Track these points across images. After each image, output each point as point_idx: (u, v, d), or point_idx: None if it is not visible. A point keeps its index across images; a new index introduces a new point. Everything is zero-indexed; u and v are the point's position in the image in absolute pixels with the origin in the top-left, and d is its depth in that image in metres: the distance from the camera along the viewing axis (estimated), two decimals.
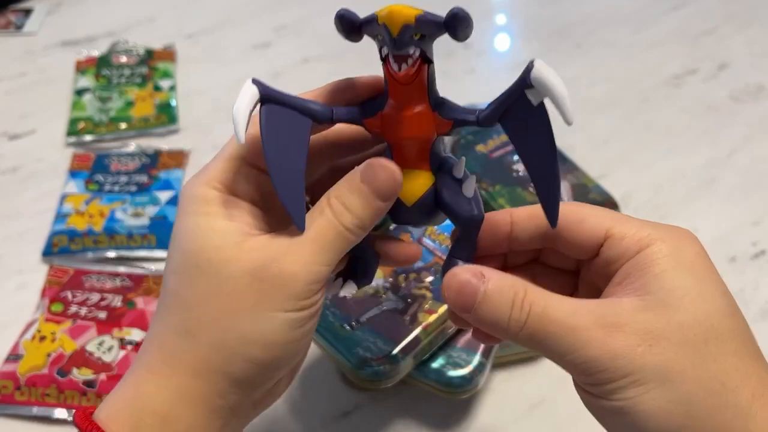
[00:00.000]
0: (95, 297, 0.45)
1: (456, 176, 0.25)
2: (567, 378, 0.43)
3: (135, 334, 0.43)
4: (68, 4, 0.75)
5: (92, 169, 0.54)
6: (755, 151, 0.58)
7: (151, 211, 0.51)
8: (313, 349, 0.42)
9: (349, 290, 0.27)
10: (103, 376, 0.40)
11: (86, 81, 0.62)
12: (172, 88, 0.62)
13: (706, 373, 0.22)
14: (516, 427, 0.40)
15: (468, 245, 0.26)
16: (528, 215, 0.26)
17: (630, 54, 0.70)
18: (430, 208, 0.26)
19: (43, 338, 0.42)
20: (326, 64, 0.68)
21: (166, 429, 0.23)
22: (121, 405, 0.24)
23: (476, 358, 0.37)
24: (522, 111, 0.23)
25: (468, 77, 0.67)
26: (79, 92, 0.61)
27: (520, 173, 0.43)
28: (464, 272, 0.23)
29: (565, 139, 0.48)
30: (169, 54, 0.66)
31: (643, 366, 0.21)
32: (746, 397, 0.22)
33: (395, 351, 0.35)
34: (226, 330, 0.23)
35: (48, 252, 0.48)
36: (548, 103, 0.23)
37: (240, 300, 0.23)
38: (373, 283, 0.38)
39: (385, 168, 0.24)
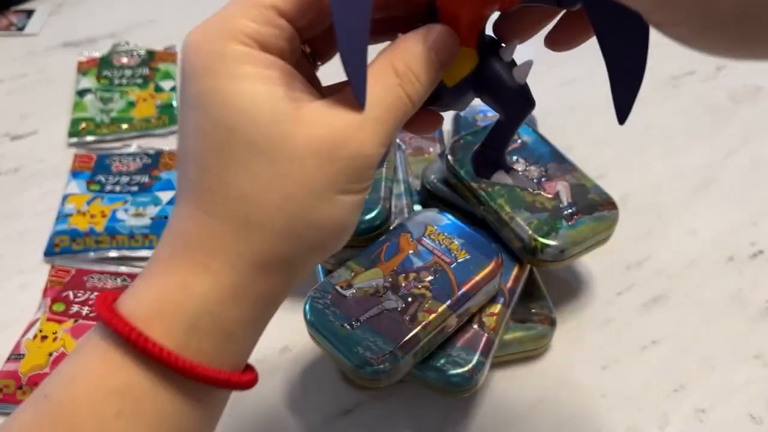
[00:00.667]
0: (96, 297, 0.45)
1: (504, 59, 0.24)
2: (566, 377, 0.43)
3: None
4: (70, 5, 0.76)
5: (94, 170, 0.55)
6: (753, 151, 0.58)
7: (153, 211, 0.51)
8: (314, 349, 0.42)
9: None
10: None
11: (87, 82, 0.63)
12: (174, 89, 0.63)
13: None
14: (515, 425, 0.40)
15: (509, 134, 0.25)
16: None
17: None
18: (469, 91, 0.24)
19: (44, 338, 0.42)
20: (326, 65, 0.68)
21: (222, 331, 0.21)
22: (169, 307, 0.21)
23: (476, 357, 0.37)
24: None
25: None
26: (81, 93, 0.62)
27: (519, 173, 0.44)
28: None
29: (563, 139, 0.48)
30: (170, 55, 0.66)
31: None
32: None
33: (395, 350, 0.35)
34: (293, 217, 0.21)
35: (50, 252, 0.49)
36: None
37: (308, 184, 0.20)
38: (373, 283, 0.38)
39: (453, 37, 0.22)
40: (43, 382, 0.22)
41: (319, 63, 0.26)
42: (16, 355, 0.41)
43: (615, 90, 0.23)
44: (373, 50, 0.23)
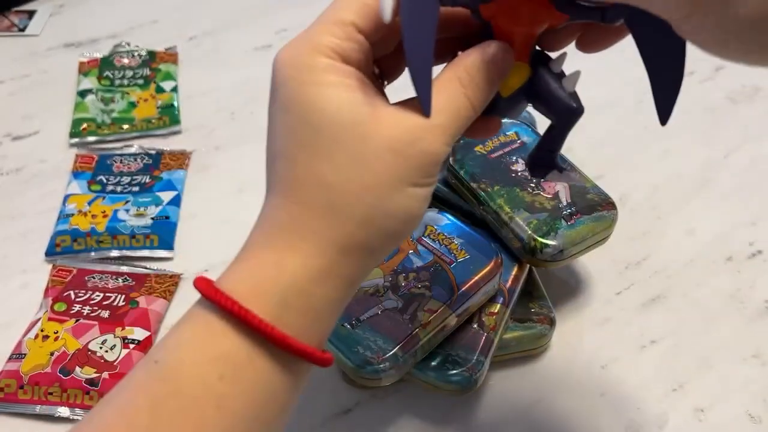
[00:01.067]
0: (98, 296, 0.45)
1: (554, 71, 0.26)
2: (566, 376, 0.43)
3: (138, 333, 0.43)
4: (71, 5, 0.76)
5: (95, 170, 0.55)
6: (752, 151, 0.59)
7: (154, 211, 0.51)
8: None
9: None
10: (105, 375, 0.41)
11: (89, 82, 0.63)
12: (175, 90, 0.63)
13: None
14: (515, 425, 0.40)
15: (561, 138, 0.28)
16: None
17: (628, 56, 0.70)
18: (522, 100, 0.27)
19: (46, 337, 0.42)
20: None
21: (310, 308, 0.24)
22: (264, 284, 0.23)
23: (475, 357, 0.38)
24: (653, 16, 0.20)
25: None
26: (82, 93, 0.62)
27: (519, 174, 0.44)
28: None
29: None
30: (171, 56, 0.66)
31: None
32: None
33: (395, 349, 0.35)
34: (372, 206, 0.23)
35: (51, 252, 0.49)
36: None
37: (385, 176, 0.23)
38: (373, 283, 0.38)
39: (509, 51, 0.25)
40: (152, 349, 0.25)
41: (386, 82, 0.29)
42: (17, 355, 0.42)
43: (657, 95, 0.26)
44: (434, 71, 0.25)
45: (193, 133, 0.60)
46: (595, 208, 0.42)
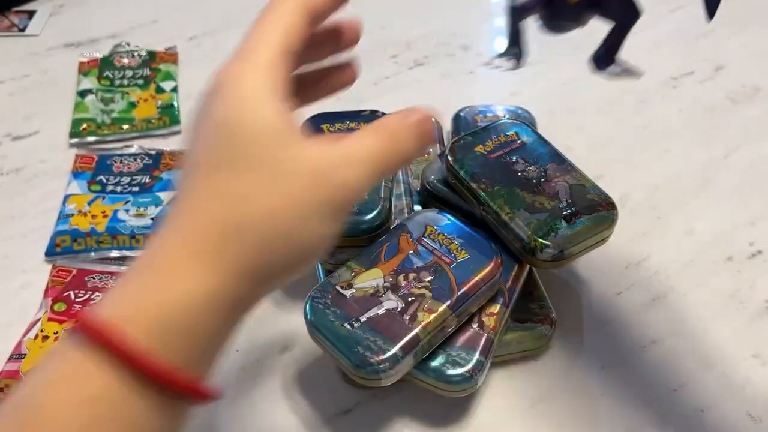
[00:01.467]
0: (98, 296, 0.45)
1: None
2: (566, 377, 0.43)
3: None
4: (71, 5, 0.76)
5: (95, 170, 0.55)
6: (752, 151, 0.59)
7: (154, 211, 0.51)
8: (314, 348, 0.42)
9: None
10: None
11: (89, 82, 0.63)
12: (175, 90, 0.63)
13: None
14: (515, 425, 0.40)
15: (621, 37, 0.35)
16: None
17: (627, 56, 0.70)
18: (584, 8, 0.32)
19: (46, 337, 0.42)
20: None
21: (196, 336, 0.22)
22: (143, 310, 0.21)
23: (475, 357, 0.38)
24: None
25: (468, 78, 0.67)
26: (82, 94, 0.62)
27: (519, 173, 0.44)
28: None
29: (563, 140, 0.48)
30: (171, 56, 0.66)
31: None
32: None
33: (395, 350, 0.35)
34: (275, 232, 0.23)
35: (51, 252, 0.49)
36: None
37: (296, 202, 0.23)
38: (374, 283, 0.38)
39: (431, 121, 0.27)
40: (18, 386, 0.22)
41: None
42: (17, 355, 0.42)
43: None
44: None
45: None
46: (595, 208, 0.42)
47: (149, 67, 0.65)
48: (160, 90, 0.63)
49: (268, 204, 0.23)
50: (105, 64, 0.65)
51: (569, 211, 0.41)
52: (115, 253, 0.49)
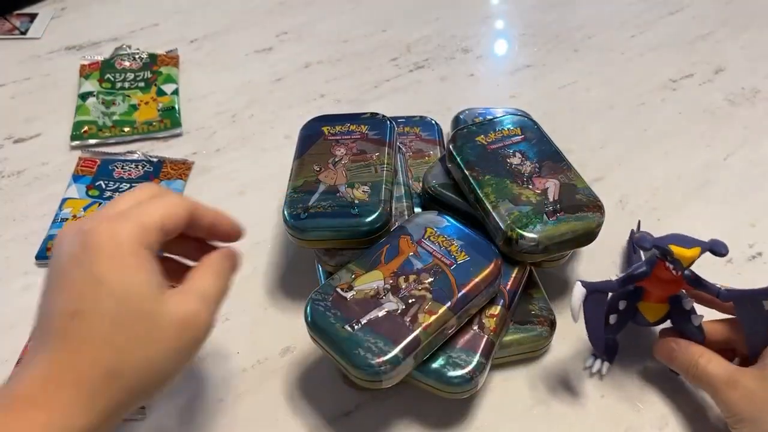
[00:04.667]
0: None
1: (685, 308, 0.40)
2: (566, 378, 0.44)
3: None
4: (72, 9, 0.76)
5: (96, 174, 0.55)
6: (751, 153, 0.59)
7: None
8: (314, 350, 0.43)
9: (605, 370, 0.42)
10: None
11: (90, 85, 0.63)
12: (176, 93, 0.63)
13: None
14: (515, 426, 0.40)
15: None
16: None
17: (627, 58, 0.70)
18: (662, 322, 0.41)
19: None
20: (326, 68, 0.68)
21: None
22: None
23: (476, 359, 0.38)
24: (754, 305, 0.38)
25: (468, 81, 0.68)
26: (83, 96, 0.62)
27: (513, 166, 0.44)
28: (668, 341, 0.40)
29: (563, 141, 0.48)
30: (172, 58, 0.66)
31: (741, 411, 0.36)
32: None
33: (396, 352, 0.35)
34: (149, 374, 0.28)
35: (41, 256, 0.49)
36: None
37: (165, 346, 0.28)
38: (374, 285, 0.38)
39: (233, 259, 0.35)
40: None
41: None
42: (21, 357, 0.42)
43: (749, 343, 0.39)
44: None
45: (194, 135, 0.60)
46: (580, 208, 0.42)
47: (150, 69, 0.65)
48: (161, 93, 0.63)
49: (144, 352, 0.28)
50: (106, 66, 0.65)
51: (553, 207, 0.41)
52: None
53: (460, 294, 0.38)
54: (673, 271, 0.38)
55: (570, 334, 0.45)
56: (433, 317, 0.36)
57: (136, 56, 0.66)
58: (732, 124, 0.62)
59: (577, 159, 0.47)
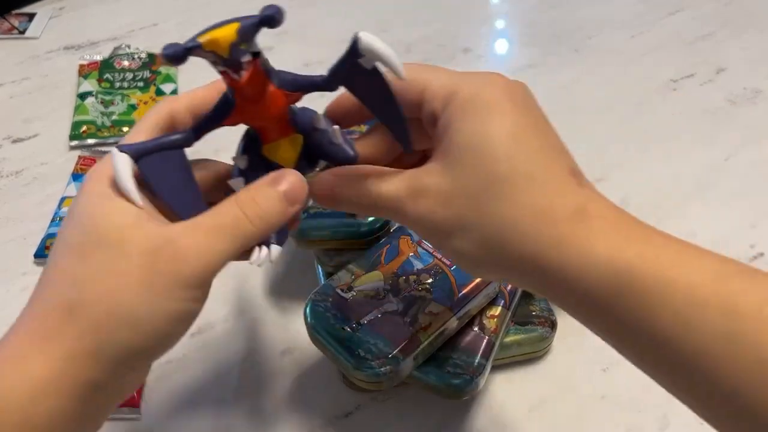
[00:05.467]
0: None
1: (320, 127, 0.28)
2: (567, 379, 0.43)
3: None
4: (71, 8, 0.76)
5: None
6: (752, 154, 0.59)
7: None
8: (314, 351, 0.42)
9: (275, 254, 0.28)
10: None
11: (89, 85, 0.63)
12: (175, 92, 0.63)
13: (497, 217, 0.24)
14: (516, 428, 0.40)
15: None
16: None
17: (627, 59, 0.70)
18: (307, 163, 0.29)
19: None
20: (327, 68, 0.68)
21: (30, 424, 0.22)
22: None
23: (476, 360, 0.37)
24: (360, 75, 0.26)
25: None
26: (82, 96, 0.62)
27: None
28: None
29: (563, 142, 0.48)
30: None
31: (442, 221, 0.25)
32: (557, 227, 0.23)
33: (396, 352, 0.35)
34: (110, 311, 0.22)
35: (40, 254, 0.49)
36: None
37: (131, 279, 0.22)
38: (374, 286, 0.38)
39: (294, 174, 0.27)
40: None
41: None
42: None
43: (394, 134, 0.28)
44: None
45: None
46: None
47: (149, 69, 0.65)
48: (160, 92, 0.63)
49: (105, 285, 0.22)
50: (105, 66, 0.65)
51: None
52: None
53: (460, 294, 0.37)
54: (237, 75, 0.25)
55: (571, 335, 0.45)
56: (433, 318, 0.36)
57: (135, 56, 0.66)
58: (733, 124, 0.62)
59: (578, 159, 0.47)
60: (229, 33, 0.25)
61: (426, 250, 0.40)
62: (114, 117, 0.60)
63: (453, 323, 0.37)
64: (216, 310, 0.46)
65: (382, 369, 0.35)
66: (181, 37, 0.25)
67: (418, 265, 0.39)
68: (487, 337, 0.39)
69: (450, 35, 0.73)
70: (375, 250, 0.40)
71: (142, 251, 0.23)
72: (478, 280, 0.38)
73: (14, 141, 0.60)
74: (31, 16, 0.74)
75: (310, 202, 0.37)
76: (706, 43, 0.71)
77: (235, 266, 0.51)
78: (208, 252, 0.24)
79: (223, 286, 0.48)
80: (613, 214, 0.25)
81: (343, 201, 0.27)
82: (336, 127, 0.28)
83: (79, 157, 0.56)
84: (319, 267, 0.45)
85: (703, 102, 0.64)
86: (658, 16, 0.76)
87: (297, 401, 0.41)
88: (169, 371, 0.43)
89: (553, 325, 0.42)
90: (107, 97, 0.62)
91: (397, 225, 0.43)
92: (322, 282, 0.41)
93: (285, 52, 0.70)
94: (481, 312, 0.40)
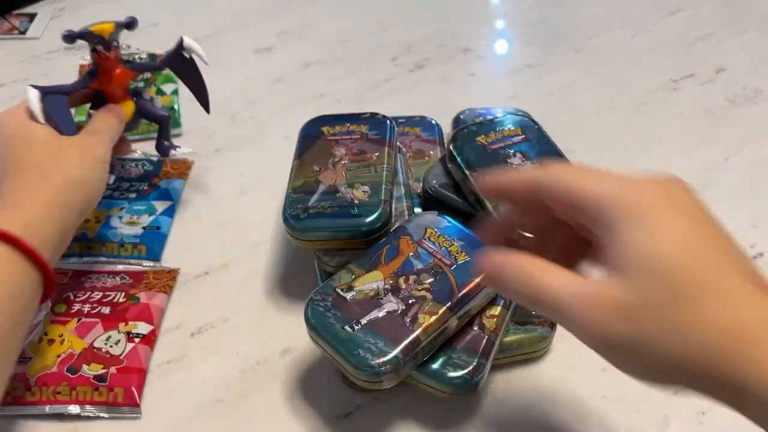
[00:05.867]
0: (97, 295, 0.45)
1: (146, 98, 0.49)
2: (567, 379, 0.43)
3: (141, 327, 0.43)
4: (71, 8, 0.76)
5: None
6: (752, 153, 0.59)
7: (146, 220, 0.51)
8: (314, 351, 0.42)
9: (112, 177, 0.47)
10: (113, 370, 0.41)
11: None
12: (175, 92, 0.63)
13: (681, 334, 0.24)
14: (516, 427, 0.40)
15: (167, 132, 0.52)
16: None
17: (628, 58, 0.70)
18: (137, 119, 0.49)
19: (51, 341, 0.42)
20: (326, 68, 0.68)
21: (41, 234, 0.37)
22: (13, 221, 0.36)
23: (476, 359, 0.37)
24: (182, 62, 0.48)
25: (468, 80, 0.67)
26: None
27: (514, 166, 0.44)
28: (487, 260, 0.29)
29: (563, 142, 0.48)
30: None
31: (618, 334, 0.25)
32: (746, 342, 0.23)
33: (396, 352, 0.35)
34: (65, 179, 0.40)
35: None
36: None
37: (74, 160, 0.41)
38: (374, 285, 0.38)
39: (118, 109, 0.47)
40: None
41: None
42: (21, 359, 0.41)
43: (198, 99, 0.51)
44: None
45: (194, 135, 0.60)
46: None
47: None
48: (160, 92, 0.63)
49: (58, 164, 0.41)
50: None
51: None
52: (102, 260, 0.49)
53: (460, 294, 0.37)
54: (108, 52, 0.44)
55: (571, 334, 0.44)
56: (434, 317, 0.36)
57: (136, 56, 0.66)
58: (733, 124, 0.62)
59: (578, 159, 0.47)
60: (109, 26, 0.45)
61: (426, 250, 0.40)
62: None
63: (453, 323, 0.37)
64: (216, 310, 0.46)
65: (382, 369, 0.35)
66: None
67: (418, 265, 0.39)
68: (487, 337, 0.39)
69: (450, 35, 0.73)
70: (375, 250, 0.40)
71: (73, 144, 0.42)
72: (478, 280, 0.38)
73: None
74: (31, 17, 0.74)
75: (311, 201, 0.41)
76: (706, 43, 0.71)
77: (235, 266, 0.51)
78: (105, 142, 0.44)
79: (223, 285, 0.48)
80: None
81: (507, 286, 0.28)
82: (158, 97, 0.53)
83: None
84: (319, 267, 0.45)
85: (703, 102, 0.64)
86: (658, 16, 0.76)
87: (297, 401, 0.41)
88: (169, 371, 0.43)
89: (552, 325, 0.42)
90: None
91: (397, 225, 0.43)
92: (322, 282, 0.41)
93: (285, 51, 0.70)
94: (481, 311, 0.40)
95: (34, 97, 0.42)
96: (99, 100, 0.47)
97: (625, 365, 0.25)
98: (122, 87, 0.47)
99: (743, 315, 0.23)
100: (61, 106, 0.43)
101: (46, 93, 0.43)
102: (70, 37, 0.44)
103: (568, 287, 0.26)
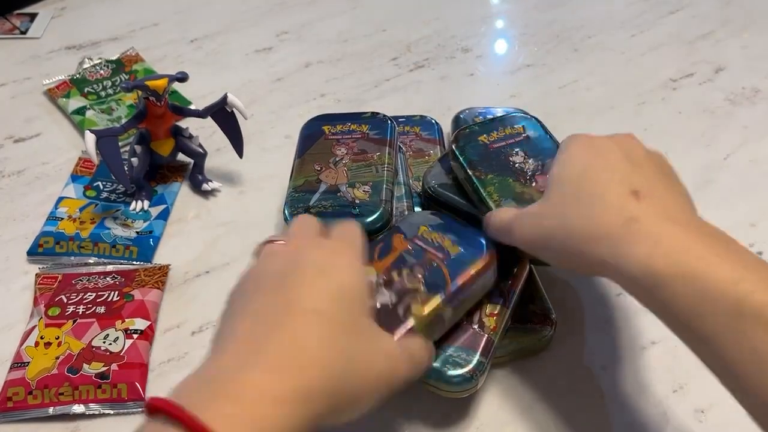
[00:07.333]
0: (90, 296, 0.45)
1: (185, 136, 0.54)
2: (566, 378, 0.43)
3: (138, 324, 0.43)
4: (72, 8, 0.76)
5: (95, 175, 0.55)
6: (752, 153, 0.59)
7: (140, 225, 0.51)
8: None
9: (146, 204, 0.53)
10: (114, 366, 0.41)
11: (76, 102, 0.61)
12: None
13: (575, 230, 0.33)
14: (515, 426, 0.40)
15: (202, 167, 0.55)
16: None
17: (627, 58, 0.70)
18: (176, 153, 0.54)
19: (48, 344, 0.42)
20: (327, 68, 0.68)
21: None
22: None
23: (476, 358, 0.38)
24: (224, 114, 0.53)
25: (468, 80, 0.68)
26: (79, 112, 0.60)
27: (516, 165, 0.44)
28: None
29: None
30: (134, 57, 0.66)
31: (538, 237, 0.36)
32: (613, 235, 0.31)
33: None
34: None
35: (33, 251, 0.49)
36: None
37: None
38: (367, 279, 0.38)
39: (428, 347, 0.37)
40: None
41: None
42: (18, 364, 0.41)
43: (233, 144, 0.54)
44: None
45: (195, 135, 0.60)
46: None
47: (124, 72, 0.65)
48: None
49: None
50: (80, 82, 0.63)
51: None
52: (93, 260, 0.49)
53: (453, 285, 0.37)
54: (159, 103, 0.49)
55: (571, 333, 0.45)
56: (427, 307, 0.36)
57: (101, 65, 0.65)
58: (732, 123, 0.62)
59: None
60: (163, 82, 0.49)
61: (419, 246, 0.40)
62: (123, 120, 0.59)
63: (448, 314, 0.37)
64: (217, 309, 0.46)
65: None
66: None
67: (411, 260, 0.39)
68: (486, 335, 0.39)
69: (450, 35, 0.73)
70: (370, 248, 0.40)
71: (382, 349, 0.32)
72: (471, 270, 0.38)
73: (16, 141, 0.60)
74: (32, 17, 0.75)
75: (312, 201, 0.42)
76: (706, 43, 0.72)
77: (236, 265, 0.51)
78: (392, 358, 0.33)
79: (224, 285, 0.48)
80: (657, 222, 0.31)
81: (490, 228, 0.40)
82: (196, 135, 0.55)
83: (80, 158, 0.56)
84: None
85: (703, 101, 0.64)
86: (658, 15, 0.76)
87: None
88: (171, 369, 0.43)
89: (552, 324, 0.43)
90: (104, 106, 0.61)
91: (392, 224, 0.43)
92: None
93: (285, 52, 0.70)
94: (481, 310, 0.40)
95: (90, 141, 0.47)
96: (141, 137, 0.52)
97: (548, 257, 0.36)
98: (165, 127, 0.52)
99: (615, 217, 0.31)
100: (112, 147, 0.48)
101: (100, 137, 0.47)
102: (127, 89, 0.53)
103: (513, 213, 0.37)
